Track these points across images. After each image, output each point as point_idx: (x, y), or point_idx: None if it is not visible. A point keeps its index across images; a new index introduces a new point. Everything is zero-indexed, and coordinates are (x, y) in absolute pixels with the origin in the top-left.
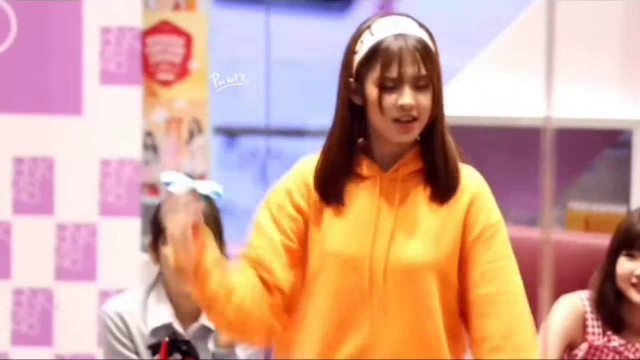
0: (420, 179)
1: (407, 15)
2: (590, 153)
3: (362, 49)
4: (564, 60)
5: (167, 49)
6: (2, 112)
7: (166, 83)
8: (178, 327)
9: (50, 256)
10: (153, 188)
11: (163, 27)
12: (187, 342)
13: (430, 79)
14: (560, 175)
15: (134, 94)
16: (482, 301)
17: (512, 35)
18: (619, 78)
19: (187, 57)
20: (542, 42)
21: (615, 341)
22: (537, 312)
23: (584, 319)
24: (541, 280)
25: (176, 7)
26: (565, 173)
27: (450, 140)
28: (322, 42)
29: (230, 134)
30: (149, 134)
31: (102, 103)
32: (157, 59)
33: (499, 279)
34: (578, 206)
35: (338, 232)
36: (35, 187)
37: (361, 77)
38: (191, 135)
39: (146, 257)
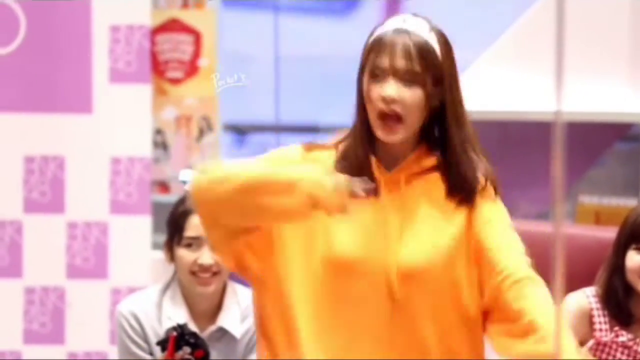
0: (430, 179)
1: (422, 17)
2: (600, 147)
3: (368, 42)
4: (573, 54)
5: (176, 46)
6: (13, 111)
7: (175, 81)
8: (194, 328)
9: (61, 254)
10: (163, 186)
11: (172, 25)
12: (195, 335)
13: (422, 77)
14: (571, 169)
15: (143, 92)
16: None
17: (521, 29)
18: (628, 71)
19: (196, 54)
20: (551, 36)
21: (624, 336)
22: None
23: (591, 316)
24: (553, 275)
25: (185, 5)
26: (575, 167)
27: (465, 140)
28: (331, 38)
29: (239, 131)
30: (158, 131)
31: (112, 101)
32: (166, 56)
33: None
34: (588, 200)
35: (345, 237)
36: (46, 185)
37: (363, 69)
38: (201, 132)
39: (157, 255)
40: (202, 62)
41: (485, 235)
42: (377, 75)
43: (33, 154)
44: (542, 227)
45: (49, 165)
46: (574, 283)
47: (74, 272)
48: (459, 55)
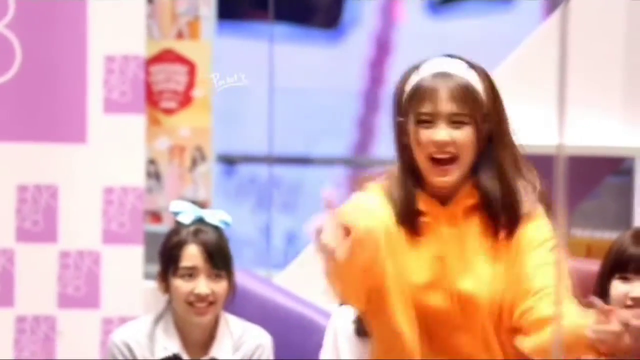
0: (479, 214)
1: (459, 57)
2: (593, 180)
3: (408, 88)
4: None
5: (171, 77)
6: (7, 139)
7: (169, 111)
8: (186, 358)
9: (53, 283)
10: (156, 216)
11: (166, 56)
12: None
13: (470, 117)
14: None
15: (137, 122)
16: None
17: (516, 60)
18: (621, 105)
19: (190, 85)
20: (543, 68)
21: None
22: None
23: None
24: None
25: (179, 35)
26: (568, 200)
27: (510, 171)
28: (326, 69)
29: (229, 161)
30: (152, 161)
31: (106, 131)
32: (160, 87)
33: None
34: (580, 233)
35: (411, 267)
36: (39, 214)
37: (407, 116)
38: (194, 162)
39: (149, 285)
40: (196, 92)
41: (525, 261)
42: (424, 120)
43: (26, 182)
44: None
45: (42, 194)
46: None
47: (65, 301)
48: None
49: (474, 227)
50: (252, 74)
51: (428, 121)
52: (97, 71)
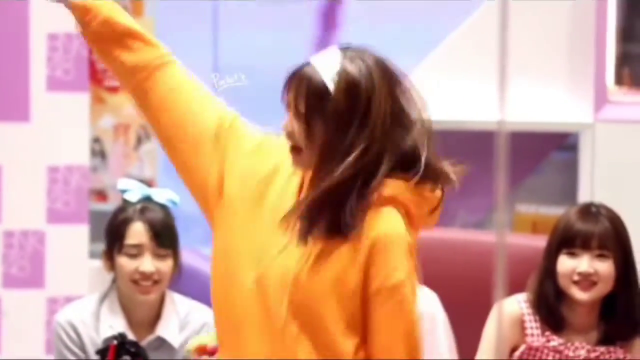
0: None
1: (342, 48)
2: (537, 156)
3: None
4: (510, 63)
5: None
6: None
7: (113, 89)
8: (132, 337)
9: None
10: (101, 194)
11: None
12: (135, 344)
13: (303, 114)
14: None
15: (81, 100)
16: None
17: (459, 37)
18: (565, 81)
19: None
20: (489, 45)
21: (555, 341)
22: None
23: (522, 322)
24: (495, 284)
25: None
26: (512, 176)
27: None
28: (272, 47)
29: None
30: (96, 140)
31: (50, 110)
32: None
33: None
34: (525, 209)
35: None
36: None
37: None
38: (139, 141)
39: (94, 264)
40: None
41: (370, 305)
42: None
43: None
44: (480, 236)
45: None
46: (510, 291)
47: (10, 281)
48: (399, 62)
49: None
50: (196, 52)
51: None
52: (40, 49)
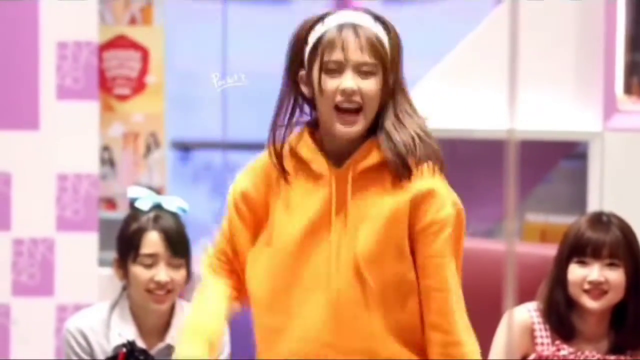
0: (380, 173)
1: (365, 10)
2: (546, 165)
3: (312, 38)
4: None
5: (124, 63)
6: None
7: (123, 97)
8: (142, 345)
9: (7, 271)
10: (110, 203)
11: (119, 42)
12: (145, 352)
13: (376, 67)
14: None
15: (90, 108)
16: (421, 291)
17: (468, 46)
18: (574, 90)
19: (143, 71)
20: (498, 54)
21: (565, 350)
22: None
23: (532, 331)
24: (505, 293)
25: (132, 21)
26: (521, 185)
27: (404, 117)
28: (281, 52)
29: (184, 147)
30: (106, 148)
31: (59, 118)
32: (113, 73)
33: (434, 275)
34: (534, 218)
35: (291, 229)
36: None
37: (310, 66)
38: (148, 149)
39: (104, 272)
40: (150, 78)
41: (419, 244)
42: (331, 70)
43: None
44: (490, 245)
45: None
46: (519, 300)
47: (19, 289)
48: (408, 71)
49: (370, 190)
50: (206, 59)
51: (335, 70)
52: (50, 57)
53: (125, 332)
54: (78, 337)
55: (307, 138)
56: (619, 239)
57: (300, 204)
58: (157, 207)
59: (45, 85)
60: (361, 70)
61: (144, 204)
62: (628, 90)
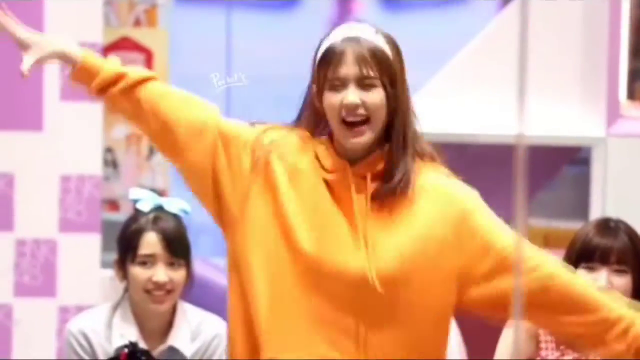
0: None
1: (367, 23)
2: (550, 170)
3: (318, 55)
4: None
5: (128, 65)
6: None
7: None
8: (143, 346)
9: (9, 272)
10: (113, 204)
11: (124, 43)
12: (147, 353)
13: (379, 78)
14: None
15: (94, 110)
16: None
17: (473, 50)
18: (578, 95)
19: None
20: (502, 58)
21: (569, 355)
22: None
23: (537, 335)
24: (514, 296)
25: (137, 23)
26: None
27: (411, 142)
28: (284, 57)
29: None
30: (109, 150)
31: (63, 119)
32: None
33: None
34: (537, 223)
35: (309, 231)
36: None
37: (318, 82)
38: (151, 151)
39: (107, 273)
40: None
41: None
42: (335, 85)
43: None
44: None
45: None
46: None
47: (22, 290)
48: (412, 75)
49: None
50: (210, 62)
51: (338, 85)
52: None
53: (127, 333)
54: (80, 338)
55: (329, 146)
56: (627, 245)
57: (312, 209)
58: (159, 208)
59: (49, 87)
60: (364, 84)
61: (145, 206)
62: (631, 96)
